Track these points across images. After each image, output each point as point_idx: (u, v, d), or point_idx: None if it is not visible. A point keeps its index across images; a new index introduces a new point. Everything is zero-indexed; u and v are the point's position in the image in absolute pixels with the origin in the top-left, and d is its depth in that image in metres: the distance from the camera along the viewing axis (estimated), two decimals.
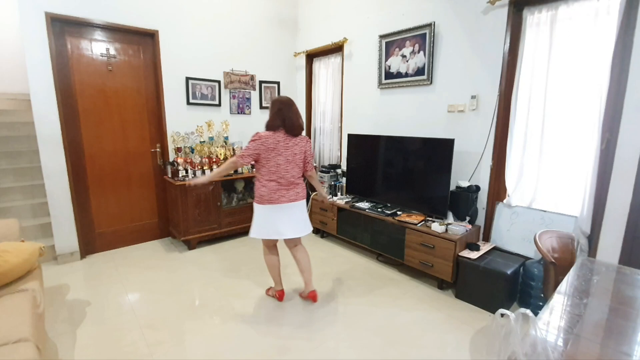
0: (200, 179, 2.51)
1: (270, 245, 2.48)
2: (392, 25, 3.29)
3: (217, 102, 3.96)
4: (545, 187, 2.52)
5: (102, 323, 2.25)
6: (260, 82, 4.33)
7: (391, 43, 3.32)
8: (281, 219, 2.31)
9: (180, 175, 3.39)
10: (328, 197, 2.45)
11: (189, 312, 2.40)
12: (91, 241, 3.37)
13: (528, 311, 1.15)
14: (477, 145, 2.79)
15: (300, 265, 2.50)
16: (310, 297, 2.49)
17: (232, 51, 4.00)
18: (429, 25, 2.96)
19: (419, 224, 2.80)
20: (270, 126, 2.27)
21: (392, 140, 3.25)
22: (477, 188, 2.78)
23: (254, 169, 2.47)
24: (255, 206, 2.33)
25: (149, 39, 3.46)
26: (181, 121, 3.69)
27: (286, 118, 2.26)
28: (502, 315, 1.23)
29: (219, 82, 3.94)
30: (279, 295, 2.52)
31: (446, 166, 2.72)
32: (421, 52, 3.07)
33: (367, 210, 3.22)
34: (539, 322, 1.21)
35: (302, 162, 2.34)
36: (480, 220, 2.83)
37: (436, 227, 2.66)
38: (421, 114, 3.17)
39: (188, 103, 3.74)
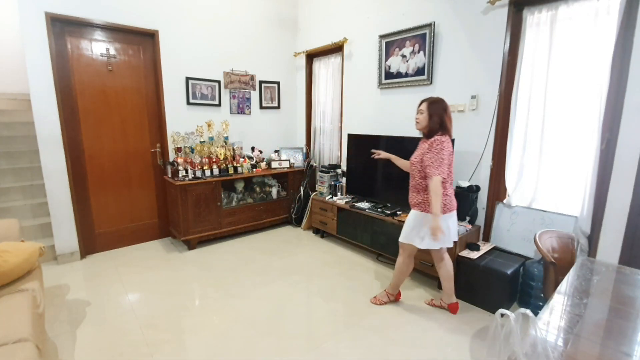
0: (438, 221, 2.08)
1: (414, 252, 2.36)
2: (392, 25, 3.29)
3: (217, 102, 3.96)
4: (545, 187, 2.52)
5: (102, 323, 2.25)
6: (260, 82, 4.33)
7: (391, 43, 3.32)
8: (452, 225, 2.26)
9: (180, 175, 3.39)
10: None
11: (189, 312, 2.40)
12: (91, 241, 3.37)
13: (528, 311, 1.15)
14: (477, 145, 2.79)
15: (446, 272, 2.38)
16: (451, 308, 2.40)
17: (232, 51, 4.00)
18: (429, 25, 2.96)
19: None
20: (442, 129, 2.14)
21: (392, 140, 3.25)
22: (477, 188, 2.78)
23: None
24: (447, 216, 2.16)
25: (149, 39, 3.46)
26: (181, 121, 3.69)
27: (451, 120, 2.19)
28: (502, 315, 1.23)
29: (219, 82, 3.94)
30: (399, 297, 2.55)
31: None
32: (421, 52, 3.07)
33: (367, 210, 3.22)
34: (539, 322, 1.21)
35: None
36: (480, 220, 2.83)
37: None
38: None
39: (188, 103, 3.74)
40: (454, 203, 2.23)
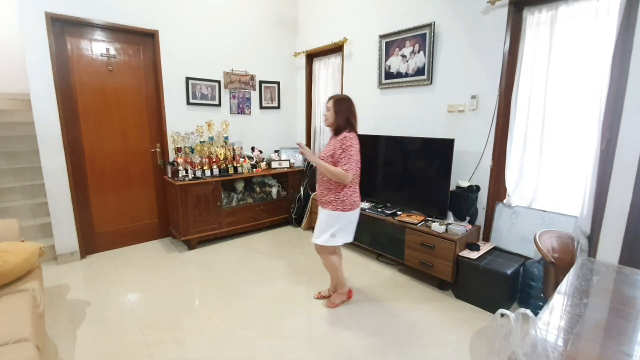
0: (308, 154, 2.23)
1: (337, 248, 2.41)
2: (392, 25, 3.29)
3: (217, 102, 3.96)
4: (545, 187, 2.52)
5: (102, 323, 2.25)
6: (260, 82, 4.33)
7: (391, 43, 3.32)
8: (356, 220, 2.34)
9: (180, 175, 3.39)
10: None
11: (189, 312, 2.40)
12: (91, 241, 3.37)
13: (528, 311, 1.15)
14: (477, 145, 2.79)
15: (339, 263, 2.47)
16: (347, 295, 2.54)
17: (232, 51, 4.01)
18: (429, 25, 2.96)
19: (419, 224, 2.80)
20: (349, 126, 2.20)
21: (392, 140, 3.25)
22: (477, 188, 2.78)
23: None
24: (348, 214, 2.23)
25: (149, 39, 3.46)
26: (181, 121, 3.69)
27: (356, 117, 2.25)
28: (502, 315, 1.23)
29: (219, 82, 3.94)
30: (350, 294, 2.55)
31: (446, 166, 2.72)
32: (421, 52, 3.07)
33: (367, 210, 3.22)
34: (539, 322, 1.21)
35: None
36: (480, 220, 2.83)
37: (436, 227, 2.66)
38: (421, 114, 3.17)
39: (188, 103, 3.74)
40: (358, 201, 2.29)
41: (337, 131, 2.23)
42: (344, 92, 3.94)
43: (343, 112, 2.21)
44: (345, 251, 3.51)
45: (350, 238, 2.33)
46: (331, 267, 2.40)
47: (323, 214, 2.29)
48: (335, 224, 2.24)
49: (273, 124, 4.56)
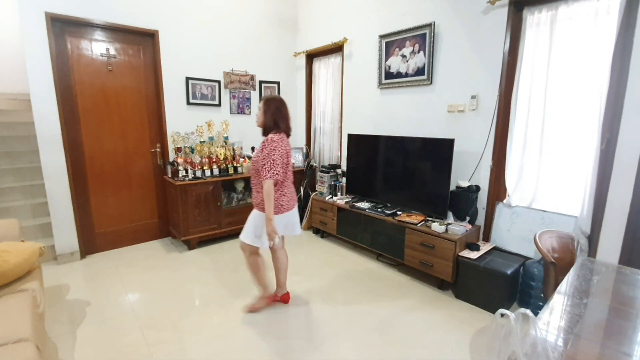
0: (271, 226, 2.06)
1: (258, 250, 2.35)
2: (392, 25, 3.29)
3: (217, 102, 3.96)
4: (545, 187, 2.52)
5: (102, 323, 2.25)
6: (260, 82, 4.32)
7: (391, 43, 3.32)
8: (295, 221, 2.33)
9: (180, 175, 3.39)
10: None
11: (189, 312, 2.40)
12: (91, 241, 3.37)
13: (528, 311, 1.15)
14: (477, 145, 2.79)
15: (281, 264, 2.46)
16: (284, 299, 2.49)
17: (232, 51, 4.00)
18: (429, 25, 2.96)
19: (419, 224, 2.80)
20: (275, 127, 2.18)
21: (392, 140, 3.25)
22: (477, 188, 2.78)
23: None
24: (278, 217, 2.16)
25: (149, 39, 3.46)
26: (181, 121, 3.69)
27: (286, 118, 2.23)
28: (502, 315, 1.23)
29: (219, 82, 3.94)
30: (276, 298, 2.49)
31: (446, 166, 2.73)
32: (421, 52, 3.07)
33: (367, 210, 3.22)
34: (539, 322, 1.21)
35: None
36: (480, 220, 2.83)
37: (436, 227, 2.66)
38: (421, 114, 3.17)
39: (188, 103, 3.74)
40: (292, 202, 2.26)
41: (264, 132, 2.20)
42: (344, 92, 3.95)
43: (270, 112, 2.17)
44: (345, 251, 3.51)
45: (292, 232, 2.31)
46: (251, 268, 2.34)
47: (252, 213, 2.24)
48: (260, 226, 2.16)
49: None
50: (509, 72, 2.55)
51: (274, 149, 2.08)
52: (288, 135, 2.26)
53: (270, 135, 2.14)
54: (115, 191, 3.46)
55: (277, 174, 2.07)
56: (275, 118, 2.18)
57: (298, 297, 2.59)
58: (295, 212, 2.33)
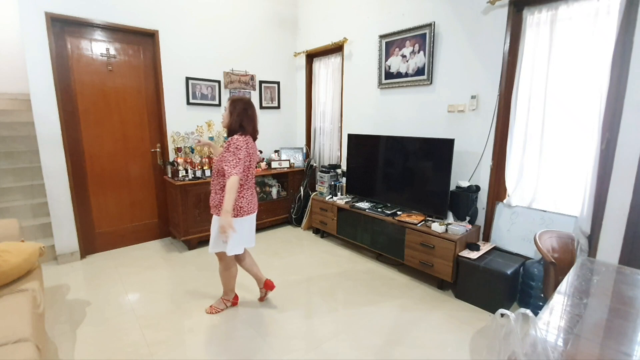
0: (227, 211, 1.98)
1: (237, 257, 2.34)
2: (392, 25, 3.29)
3: (217, 102, 3.96)
4: (545, 187, 2.52)
5: (102, 323, 2.25)
6: (260, 82, 4.33)
7: (391, 43, 3.32)
8: (252, 228, 2.27)
9: (180, 175, 3.39)
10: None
11: (189, 312, 2.40)
12: (91, 241, 3.37)
13: (528, 311, 1.15)
14: (477, 145, 2.79)
15: (252, 263, 2.45)
16: (269, 286, 2.48)
17: (232, 51, 4.01)
18: (429, 25, 2.96)
19: (419, 224, 2.80)
20: (241, 129, 2.11)
21: (392, 140, 3.25)
22: (477, 188, 2.78)
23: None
24: (237, 220, 2.10)
25: (149, 39, 3.46)
26: (181, 121, 3.69)
27: (253, 120, 2.15)
28: (502, 315, 1.23)
29: (219, 82, 3.94)
30: (236, 301, 2.48)
31: (446, 166, 2.73)
32: (421, 52, 3.07)
33: (367, 210, 3.22)
34: (539, 322, 1.21)
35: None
36: (480, 220, 2.83)
37: (436, 227, 2.66)
38: (421, 114, 3.17)
39: (188, 103, 3.74)
40: (252, 206, 2.19)
41: (228, 133, 2.14)
42: (344, 92, 3.95)
43: (236, 113, 2.10)
44: (345, 251, 3.51)
45: (240, 249, 2.20)
46: (225, 275, 2.33)
47: (214, 220, 2.18)
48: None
49: (273, 124, 4.56)
50: (509, 72, 2.55)
51: (239, 148, 2.03)
52: (254, 138, 2.20)
53: (235, 136, 2.08)
54: (115, 191, 3.46)
55: (240, 172, 2.01)
56: (241, 120, 2.11)
57: (298, 297, 2.59)
58: (254, 219, 2.25)
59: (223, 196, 2.07)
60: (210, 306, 2.40)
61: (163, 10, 3.45)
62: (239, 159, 2.02)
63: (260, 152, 4.20)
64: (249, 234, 2.25)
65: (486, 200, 2.78)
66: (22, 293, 1.81)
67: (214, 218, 2.19)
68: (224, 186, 2.09)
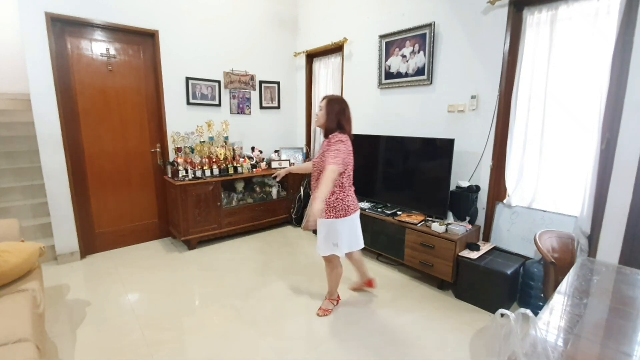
0: (316, 206, 1.91)
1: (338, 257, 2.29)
2: (392, 25, 3.29)
3: (217, 102, 3.96)
4: (545, 187, 2.51)
5: (102, 323, 2.25)
6: (260, 82, 4.33)
7: (391, 43, 3.32)
8: (358, 225, 2.25)
9: (180, 175, 3.39)
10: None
11: (189, 312, 2.40)
12: (91, 241, 3.37)
13: (528, 311, 1.15)
14: (477, 145, 2.79)
15: (361, 262, 2.54)
16: (369, 284, 2.61)
17: (232, 51, 4.00)
18: (429, 25, 2.96)
19: (419, 224, 2.80)
20: (339, 128, 2.10)
21: (392, 140, 3.25)
22: (477, 188, 2.78)
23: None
24: (340, 221, 2.10)
25: (149, 39, 3.46)
26: (181, 121, 3.69)
27: (350, 120, 2.15)
28: (502, 315, 1.23)
29: (219, 82, 3.94)
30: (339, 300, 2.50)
31: (446, 166, 2.72)
32: (421, 52, 3.07)
33: (367, 210, 3.21)
34: (539, 322, 1.21)
35: None
36: (480, 220, 2.83)
37: (436, 227, 2.66)
38: (421, 114, 3.17)
39: (188, 103, 3.74)
40: (353, 206, 2.16)
41: (326, 133, 2.14)
42: (344, 92, 3.95)
43: (334, 113, 2.10)
44: None
45: (358, 245, 2.24)
46: (332, 276, 2.34)
47: (320, 223, 2.14)
48: (332, 233, 2.13)
49: (273, 124, 4.56)
50: (509, 72, 2.55)
51: (340, 141, 2.02)
52: (350, 138, 2.16)
53: (335, 134, 2.07)
54: (115, 191, 3.46)
55: (339, 163, 1.98)
56: (339, 119, 2.10)
57: (298, 298, 2.59)
58: (358, 217, 2.23)
59: (330, 201, 2.10)
60: (320, 308, 2.38)
61: (163, 10, 3.45)
62: (338, 150, 2.00)
63: (260, 152, 4.20)
64: (356, 232, 2.23)
65: (486, 200, 2.78)
66: (22, 293, 1.81)
67: (319, 221, 2.14)
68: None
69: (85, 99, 3.17)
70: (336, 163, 1.97)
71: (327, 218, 2.12)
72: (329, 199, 2.09)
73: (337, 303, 2.48)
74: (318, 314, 2.35)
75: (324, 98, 2.18)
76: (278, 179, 2.49)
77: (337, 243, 2.13)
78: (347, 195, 2.13)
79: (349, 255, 2.41)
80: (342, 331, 2.19)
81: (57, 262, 3.14)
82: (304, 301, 2.54)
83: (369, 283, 2.62)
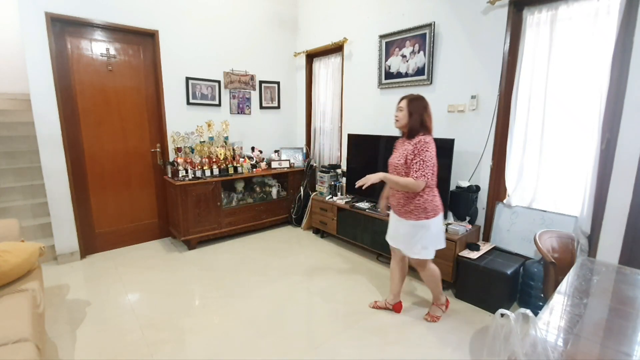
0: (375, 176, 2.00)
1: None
2: (392, 25, 3.29)
3: (217, 102, 3.96)
4: (545, 187, 2.52)
5: (102, 323, 2.25)
6: (260, 82, 4.33)
7: (391, 43, 3.32)
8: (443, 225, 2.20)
9: (180, 175, 3.39)
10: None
11: (189, 312, 2.40)
12: (91, 241, 3.37)
13: (528, 311, 1.15)
14: (477, 145, 2.79)
15: (404, 275, 2.41)
16: (398, 308, 2.42)
17: (232, 51, 4.00)
18: (429, 25, 2.96)
19: None
20: (422, 128, 2.03)
21: (392, 140, 3.21)
22: (477, 188, 2.78)
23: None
24: (433, 221, 2.06)
25: (149, 39, 3.46)
26: (181, 121, 3.69)
27: (431, 118, 2.08)
28: (502, 315, 1.23)
29: (219, 82, 3.94)
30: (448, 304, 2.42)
31: (446, 166, 2.72)
32: (421, 52, 3.07)
33: (367, 210, 3.21)
34: (539, 322, 1.21)
35: None
36: (480, 220, 2.83)
37: None
38: None
39: (188, 103, 3.74)
40: (440, 205, 2.12)
41: (410, 134, 2.05)
42: (344, 92, 3.95)
43: (417, 112, 2.02)
44: (345, 251, 3.51)
45: (442, 244, 2.17)
46: (429, 280, 2.25)
47: (406, 225, 2.10)
48: (424, 234, 2.07)
49: (273, 124, 4.56)
50: (509, 72, 2.55)
51: (426, 150, 1.95)
52: (431, 135, 2.10)
53: (419, 137, 1.99)
54: (115, 191, 3.46)
55: (425, 175, 1.95)
56: (422, 119, 2.02)
57: (298, 297, 2.59)
58: (439, 220, 2.14)
59: (404, 196, 2.07)
60: (429, 314, 2.32)
61: (163, 10, 3.45)
62: (422, 160, 1.96)
63: (260, 152, 4.20)
64: (441, 233, 2.18)
65: (486, 200, 2.78)
66: (22, 293, 1.81)
67: (402, 222, 2.12)
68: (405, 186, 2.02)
69: (85, 99, 3.17)
70: (419, 177, 1.95)
71: (418, 219, 2.06)
72: (419, 200, 2.03)
73: (447, 308, 2.37)
74: (426, 319, 2.30)
75: (403, 98, 2.10)
76: (365, 187, 2.08)
77: (427, 246, 2.09)
78: (436, 195, 2.10)
79: (398, 260, 2.33)
80: (342, 331, 2.19)
81: (57, 262, 3.14)
82: (304, 301, 2.54)
83: (397, 307, 2.41)
